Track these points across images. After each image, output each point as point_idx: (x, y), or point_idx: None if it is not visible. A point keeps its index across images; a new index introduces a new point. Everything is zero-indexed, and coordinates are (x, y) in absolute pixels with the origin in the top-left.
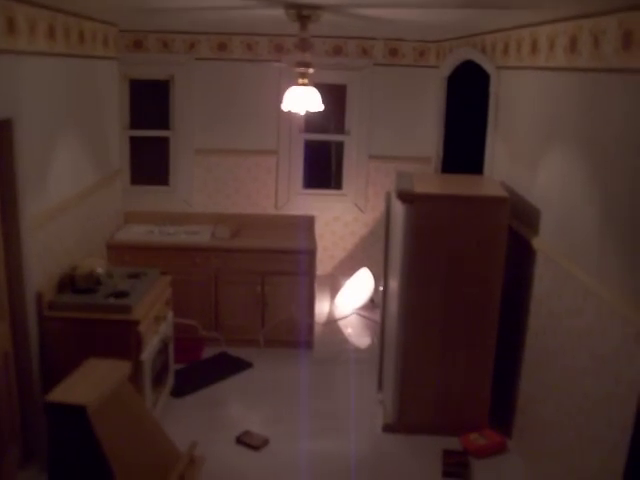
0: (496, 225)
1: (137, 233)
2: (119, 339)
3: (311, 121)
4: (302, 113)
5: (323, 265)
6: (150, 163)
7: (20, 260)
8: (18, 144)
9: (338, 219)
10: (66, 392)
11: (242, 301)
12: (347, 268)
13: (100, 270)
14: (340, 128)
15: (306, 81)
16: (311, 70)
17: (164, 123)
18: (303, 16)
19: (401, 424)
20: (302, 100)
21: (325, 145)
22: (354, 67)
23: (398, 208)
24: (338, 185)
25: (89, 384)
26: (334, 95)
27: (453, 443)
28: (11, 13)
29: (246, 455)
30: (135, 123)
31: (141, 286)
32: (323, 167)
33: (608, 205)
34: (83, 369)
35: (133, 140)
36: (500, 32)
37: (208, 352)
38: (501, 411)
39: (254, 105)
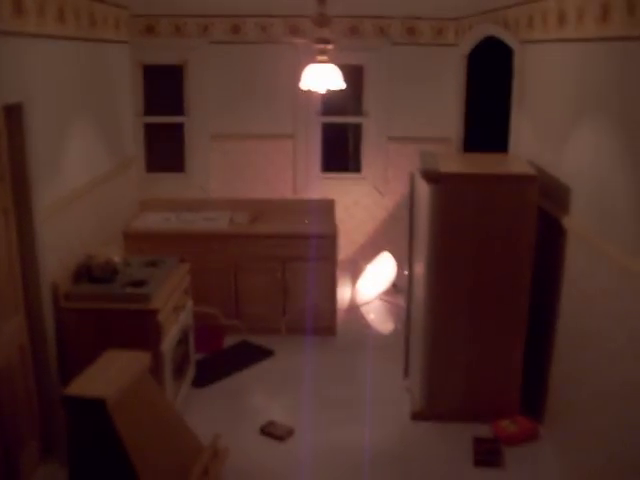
0: (525, 204)
1: (154, 221)
2: (138, 329)
3: (328, 103)
4: (322, 91)
5: (344, 250)
6: (166, 150)
7: (34, 250)
8: (29, 129)
9: (358, 203)
10: (84, 385)
11: (262, 288)
12: (368, 253)
13: (117, 259)
14: (358, 110)
15: (325, 58)
16: (330, 46)
17: (179, 109)
18: None
19: (430, 411)
20: (322, 78)
21: (343, 128)
22: (371, 47)
23: (423, 189)
24: (357, 168)
25: (108, 376)
26: (351, 76)
27: (484, 430)
28: None
29: (271, 446)
30: (149, 109)
31: (159, 274)
32: (341, 150)
33: None
34: (102, 361)
35: (148, 127)
36: (524, 5)
37: (229, 341)
38: (533, 397)
39: (270, 89)
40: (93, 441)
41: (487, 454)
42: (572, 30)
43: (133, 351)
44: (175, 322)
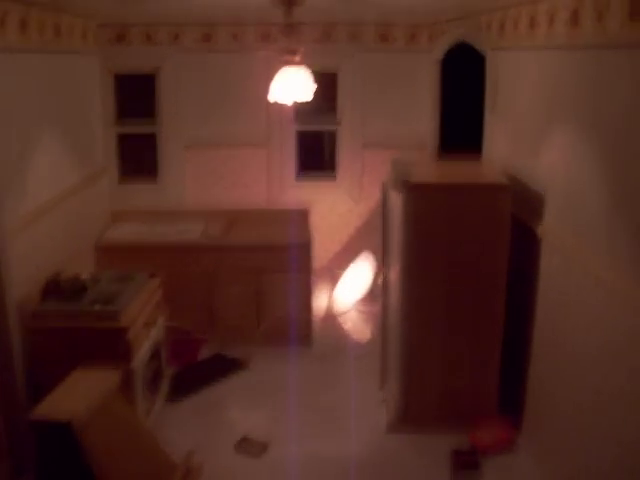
0: (498, 214)
1: (126, 233)
2: (108, 347)
3: (302, 111)
4: (289, 103)
5: (319, 258)
6: (139, 160)
7: None
8: None
9: (332, 210)
10: (51, 407)
11: (237, 299)
12: (343, 260)
13: (85, 275)
14: (333, 116)
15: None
16: (297, 57)
17: (152, 118)
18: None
19: (406, 422)
20: (289, 89)
21: (318, 134)
22: (344, 54)
23: (395, 198)
24: (332, 175)
25: (75, 397)
26: (324, 83)
27: (461, 441)
28: None
29: (245, 462)
30: (121, 119)
31: (129, 290)
32: (316, 157)
33: (617, 185)
34: (69, 381)
35: (120, 137)
36: (496, 11)
37: (204, 353)
38: (510, 404)
39: (243, 97)
40: (61, 464)
41: (465, 468)
42: (543, 37)
43: (102, 369)
44: (146, 338)
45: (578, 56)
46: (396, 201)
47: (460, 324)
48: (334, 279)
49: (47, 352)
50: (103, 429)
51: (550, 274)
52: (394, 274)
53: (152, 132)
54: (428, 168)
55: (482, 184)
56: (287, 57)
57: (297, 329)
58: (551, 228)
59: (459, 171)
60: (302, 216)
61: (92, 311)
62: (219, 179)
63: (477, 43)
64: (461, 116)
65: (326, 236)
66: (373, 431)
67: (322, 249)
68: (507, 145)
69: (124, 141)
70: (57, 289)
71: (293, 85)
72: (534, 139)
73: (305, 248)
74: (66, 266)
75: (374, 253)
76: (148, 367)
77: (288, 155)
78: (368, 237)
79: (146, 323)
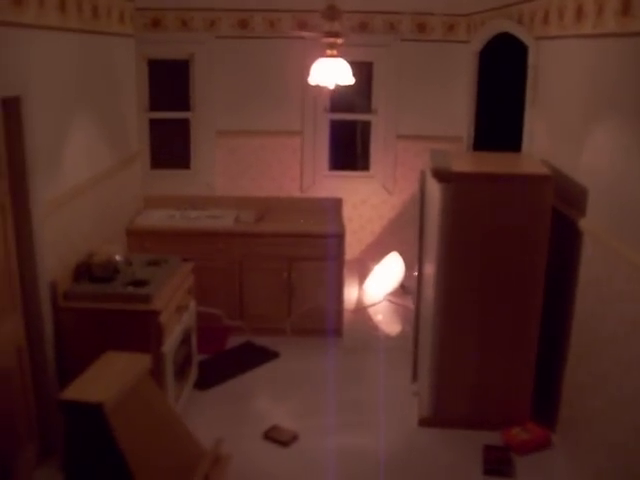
0: (539, 205)
1: (158, 218)
2: (139, 330)
3: (337, 100)
4: (331, 87)
5: (352, 249)
6: (171, 146)
7: (32, 248)
8: (27, 123)
9: (365, 202)
10: (82, 389)
11: (268, 288)
12: (376, 252)
13: (118, 257)
14: (367, 107)
15: (335, 52)
16: (340, 40)
17: (185, 104)
18: None
19: (438, 417)
20: (331, 72)
21: (352, 125)
22: (381, 43)
23: (434, 188)
24: (365, 166)
25: (106, 380)
26: (361, 73)
27: (494, 438)
28: None
29: (274, 451)
30: (155, 105)
31: (161, 274)
32: (350, 148)
33: None
34: (100, 363)
35: (153, 123)
36: (539, 0)
37: (233, 342)
38: (545, 403)
39: (278, 84)
40: (90, 446)
41: (497, 463)
42: (591, 25)
43: (133, 353)
44: (177, 323)
45: (628, 44)
46: (434, 191)
47: (495, 319)
48: (366, 271)
49: (78, 333)
50: (133, 413)
51: (591, 270)
52: (429, 266)
53: (185, 118)
54: (468, 158)
55: (524, 174)
56: (330, 40)
57: (328, 320)
58: (594, 222)
59: (499, 162)
60: (335, 205)
61: (124, 293)
62: (251, 167)
63: (519, 33)
64: (500, 111)
65: (359, 228)
66: (404, 425)
67: (355, 241)
68: (548, 138)
69: (156, 127)
70: (89, 271)
71: (335, 68)
72: (577, 131)
73: (337, 238)
74: (98, 249)
75: (407, 246)
76: (178, 353)
77: (322, 145)
78: (401, 230)
79: (178, 307)
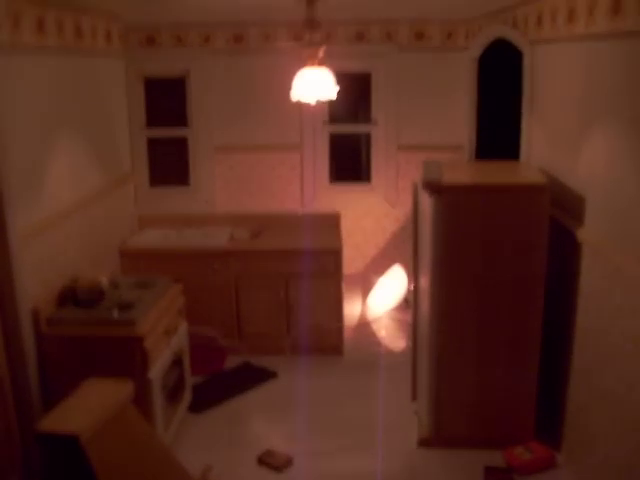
0: (535, 216)
1: (153, 238)
2: (123, 356)
3: (335, 112)
4: (312, 102)
5: (354, 263)
6: (170, 163)
7: (11, 274)
8: (1, 149)
9: (367, 214)
10: (58, 420)
11: (265, 306)
12: (379, 266)
13: (104, 280)
14: (367, 118)
15: (316, 63)
16: (321, 53)
17: (182, 121)
18: None
19: (438, 437)
20: (313, 85)
21: (352, 137)
22: (378, 54)
23: (426, 200)
24: (367, 178)
25: (85, 409)
26: (359, 84)
27: (496, 458)
28: None
29: (268, 477)
30: (152, 123)
31: (149, 296)
32: (350, 160)
33: None
34: (80, 392)
35: (151, 141)
36: (533, 3)
37: (231, 362)
38: (549, 422)
39: (275, 98)
40: (69, 478)
41: None
42: (583, 26)
43: (115, 380)
44: (166, 346)
45: (617, 46)
46: (427, 203)
47: (494, 334)
48: (369, 285)
49: (62, 361)
50: (113, 443)
51: (591, 281)
52: (424, 281)
53: (182, 136)
54: (461, 169)
55: (518, 184)
56: (310, 51)
57: (327, 338)
58: (592, 232)
59: (494, 171)
60: (333, 221)
61: (107, 318)
62: (251, 182)
63: (514, 38)
64: (501, 119)
65: (362, 241)
66: (403, 445)
67: (357, 254)
68: (546, 145)
69: (153, 146)
70: (74, 295)
71: (315, 83)
72: (574, 138)
73: (335, 254)
74: (88, 272)
75: (409, 259)
76: (168, 377)
77: (321, 158)
78: (405, 243)
79: (166, 331)
